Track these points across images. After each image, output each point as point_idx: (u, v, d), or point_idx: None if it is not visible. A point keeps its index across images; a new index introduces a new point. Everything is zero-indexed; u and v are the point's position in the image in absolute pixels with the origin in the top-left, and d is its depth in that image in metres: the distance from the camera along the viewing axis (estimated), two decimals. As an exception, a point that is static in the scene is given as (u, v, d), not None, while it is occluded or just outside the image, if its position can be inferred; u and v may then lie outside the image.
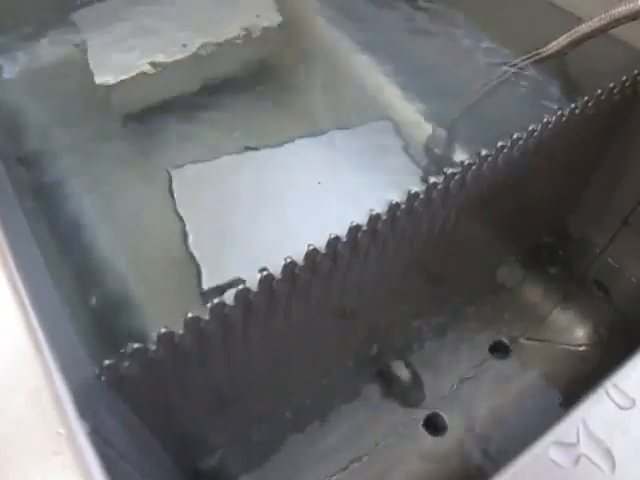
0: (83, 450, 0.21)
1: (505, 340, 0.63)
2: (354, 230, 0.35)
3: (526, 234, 0.60)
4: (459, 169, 0.37)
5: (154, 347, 0.30)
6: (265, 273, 0.32)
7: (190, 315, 0.30)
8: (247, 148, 0.55)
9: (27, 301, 0.27)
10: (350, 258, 0.36)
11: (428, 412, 0.57)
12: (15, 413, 0.21)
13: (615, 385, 0.24)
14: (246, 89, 0.58)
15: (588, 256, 0.62)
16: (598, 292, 0.63)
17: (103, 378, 0.28)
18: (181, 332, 0.30)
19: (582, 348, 0.62)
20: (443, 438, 0.55)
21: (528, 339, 0.63)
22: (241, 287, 0.31)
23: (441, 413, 0.57)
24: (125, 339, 0.29)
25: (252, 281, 0.32)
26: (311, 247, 0.33)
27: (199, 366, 0.33)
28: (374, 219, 0.35)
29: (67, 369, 0.24)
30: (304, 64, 0.61)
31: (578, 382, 0.60)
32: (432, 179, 0.37)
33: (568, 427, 0.21)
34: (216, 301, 0.31)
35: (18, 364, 0.23)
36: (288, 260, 0.32)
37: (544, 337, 0.63)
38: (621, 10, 0.44)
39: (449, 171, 0.37)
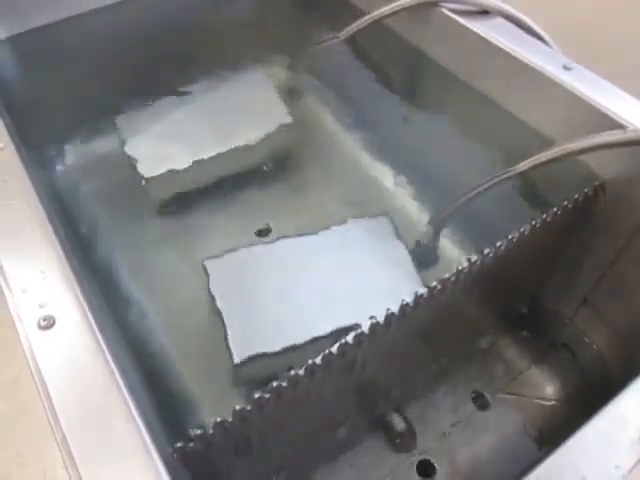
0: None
1: (486, 394, 0.73)
2: (359, 335, 0.45)
3: (503, 312, 0.71)
4: (440, 285, 0.48)
5: (211, 431, 0.40)
6: (292, 373, 0.43)
7: (237, 407, 0.41)
8: (260, 234, 0.66)
9: (123, 387, 0.38)
10: (355, 355, 0.47)
11: (420, 457, 0.68)
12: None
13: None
14: (261, 184, 0.70)
15: (558, 324, 0.72)
16: (566, 355, 0.73)
17: (175, 455, 0.39)
18: (230, 420, 0.41)
19: (553, 403, 0.73)
20: (432, 481, 0.66)
21: (507, 393, 0.74)
22: (275, 384, 0.42)
23: (431, 459, 0.68)
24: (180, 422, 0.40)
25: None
26: (327, 351, 0.44)
27: (244, 445, 0.43)
28: (374, 326, 0.46)
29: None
30: (314, 161, 0.72)
31: (551, 432, 0.71)
32: (420, 291, 0.48)
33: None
34: (256, 395, 0.41)
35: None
36: (309, 362, 0.43)
37: (520, 392, 0.74)
38: (576, 145, 0.55)
39: (432, 284, 0.48)
